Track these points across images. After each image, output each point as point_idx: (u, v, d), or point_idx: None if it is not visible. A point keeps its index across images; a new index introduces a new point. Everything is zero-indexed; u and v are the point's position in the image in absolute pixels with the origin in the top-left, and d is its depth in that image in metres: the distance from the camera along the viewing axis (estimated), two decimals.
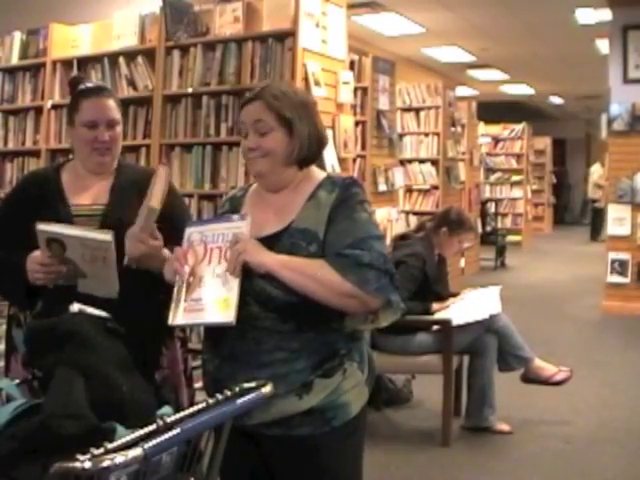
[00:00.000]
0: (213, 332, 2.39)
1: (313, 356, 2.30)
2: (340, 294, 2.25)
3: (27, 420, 1.75)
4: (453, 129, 11.45)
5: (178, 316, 2.28)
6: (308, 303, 2.25)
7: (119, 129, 2.89)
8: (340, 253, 2.27)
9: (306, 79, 5.56)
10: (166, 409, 1.92)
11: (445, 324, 5.10)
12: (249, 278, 2.27)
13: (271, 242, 2.33)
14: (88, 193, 2.85)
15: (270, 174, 2.42)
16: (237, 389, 1.97)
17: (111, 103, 2.88)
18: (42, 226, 2.60)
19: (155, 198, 2.58)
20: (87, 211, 2.83)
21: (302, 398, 2.29)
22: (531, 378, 5.33)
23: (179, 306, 2.29)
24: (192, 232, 2.40)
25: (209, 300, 2.26)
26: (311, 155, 2.43)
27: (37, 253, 2.65)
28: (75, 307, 2.06)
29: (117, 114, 2.88)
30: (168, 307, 2.32)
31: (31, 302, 2.79)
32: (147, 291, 2.67)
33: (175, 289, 2.32)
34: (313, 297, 2.24)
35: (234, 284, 2.23)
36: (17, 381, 1.94)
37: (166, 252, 2.63)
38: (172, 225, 2.63)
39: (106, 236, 2.57)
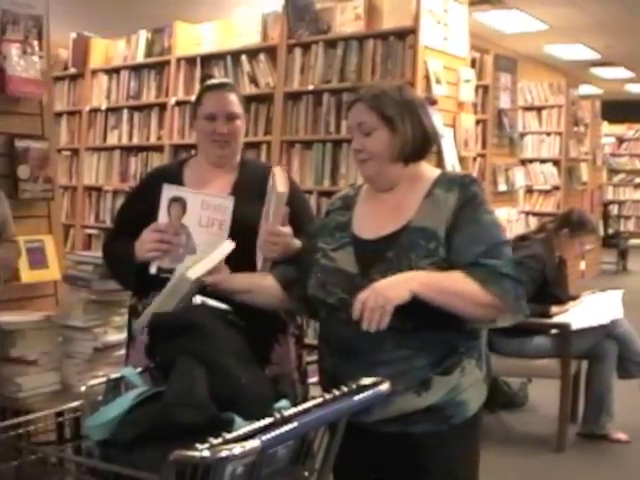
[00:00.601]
0: (331, 330, 2.39)
1: (433, 354, 2.28)
2: (482, 306, 2.24)
3: (148, 407, 1.79)
4: (576, 129, 11.20)
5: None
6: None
7: (239, 123, 2.91)
8: (476, 263, 2.24)
9: (427, 77, 5.53)
10: (284, 402, 1.93)
11: (564, 328, 4.99)
12: (367, 276, 2.28)
13: (389, 241, 2.33)
14: (209, 188, 2.87)
15: (378, 176, 2.42)
16: (354, 386, 1.96)
17: (232, 97, 2.91)
18: (169, 186, 2.70)
19: (280, 183, 2.60)
20: None
21: (421, 395, 2.28)
22: None
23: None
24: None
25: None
26: (416, 152, 2.41)
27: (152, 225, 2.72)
28: (197, 299, 2.09)
29: (237, 108, 2.90)
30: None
31: (146, 289, 2.85)
32: None
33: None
34: (455, 312, 2.23)
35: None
36: (139, 369, 1.98)
37: (297, 242, 2.66)
38: (299, 221, 2.67)
39: (226, 200, 2.68)
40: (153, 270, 2.70)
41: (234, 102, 2.91)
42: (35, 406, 2.98)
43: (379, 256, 2.32)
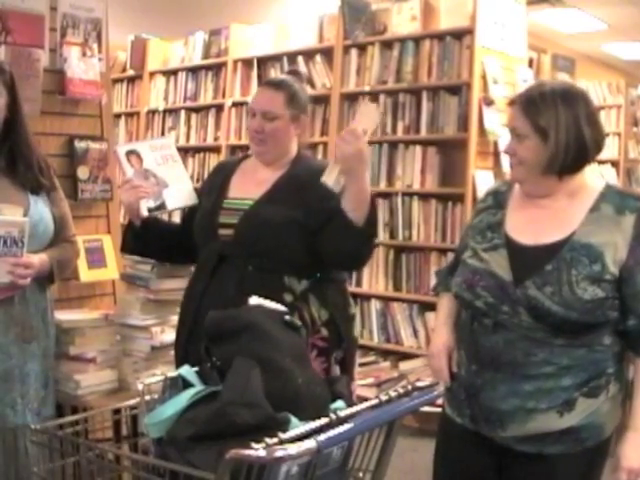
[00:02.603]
0: (474, 335, 2.31)
1: (580, 373, 2.21)
2: None
3: (205, 407, 1.80)
4: (635, 129, 11.01)
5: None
6: (586, 320, 2.16)
7: (278, 124, 2.87)
8: None
9: (484, 77, 5.49)
10: (339, 403, 1.93)
11: None
12: (521, 286, 2.21)
13: (550, 252, 2.22)
14: (253, 187, 2.90)
15: (526, 182, 2.32)
16: (409, 387, 1.95)
17: (275, 96, 2.88)
18: (120, 146, 3.10)
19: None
20: (235, 204, 2.89)
21: (563, 416, 2.21)
22: None
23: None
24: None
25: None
26: (568, 166, 2.24)
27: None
28: (254, 300, 2.10)
29: (277, 108, 2.87)
30: None
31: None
32: None
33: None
34: None
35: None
36: (196, 368, 1.99)
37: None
38: None
39: (165, 137, 2.97)
40: (145, 212, 2.97)
41: (275, 101, 2.88)
42: (93, 403, 3.02)
43: (537, 267, 2.22)
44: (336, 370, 2.89)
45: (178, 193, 3.06)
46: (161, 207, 3.02)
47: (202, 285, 2.86)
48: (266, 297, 2.23)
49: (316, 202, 2.73)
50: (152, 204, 2.98)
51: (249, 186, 2.90)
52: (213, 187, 2.99)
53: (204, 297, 2.82)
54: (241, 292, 2.45)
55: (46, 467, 1.96)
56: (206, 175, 7.02)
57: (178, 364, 2.73)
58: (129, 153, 3.03)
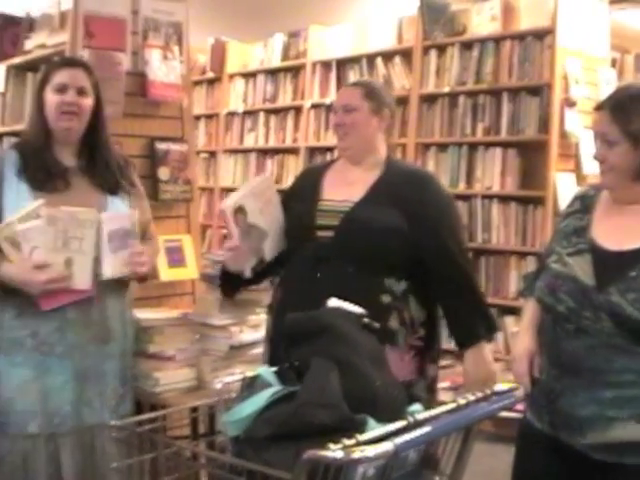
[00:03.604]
0: (556, 339, 2.28)
1: None
2: None
3: (283, 407, 1.81)
4: None
5: None
6: None
7: (356, 115, 2.91)
8: None
9: (565, 78, 5.41)
10: (416, 406, 1.92)
11: None
12: (604, 292, 2.17)
13: (634, 258, 2.18)
14: (347, 188, 2.90)
15: (616, 188, 2.29)
16: (488, 391, 1.93)
17: (353, 90, 2.97)
18: (226, 204, 2.86)
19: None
20: (333, 207, 2.88)
21: None
22: None
23: None
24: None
25: None
26: None
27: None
28: (333, 302, 2.10)
29: (355, 100, 2.92)
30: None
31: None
32: None
33: None
34: None
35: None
36: (274, 368, 2.00)
37: None
38: None
39: (263, 178, 2.87)
40: (248, 274, 2.93)
41: (353, 94, 2.94)
42: (171, 401, 3.05)
43: (620, 272, 2.18)
44: (432, 370, 2.91)
45: (275, 240, 2.97)
46: (261, 261, 2.95)
47: (299, 286, 2.85)
48: (365, 298, 2.28)
49: (415, 206, 2.78)
50: (253, 262, 2.93)
51: (341, 187, 2.92)
52: (304, 191, 3.00)
53: (302, 298, 2.80)
54: (340, 293, 2.44)
55: (124, 463, 1.99)
56: (284, 177, 7.12)
57: (272, 362, 2.70)
58: (236, 212, 2.86)
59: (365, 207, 2.82)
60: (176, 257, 3.93)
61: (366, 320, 2.06)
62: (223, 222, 2.97)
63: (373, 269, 2.75)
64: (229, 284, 3.05)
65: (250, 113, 7.72)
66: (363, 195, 2.86)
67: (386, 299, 2.74)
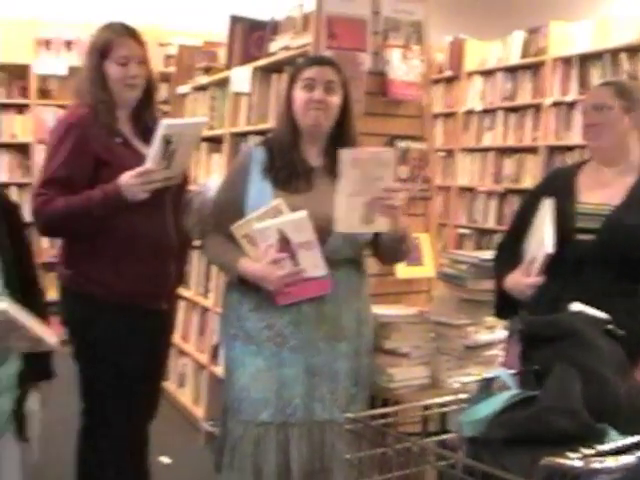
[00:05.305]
0: None
1: None
2: None
3: (522, 411, 1.78)
4: None
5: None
6: None
7: (609, 114, 2.86)
8: None
9: None
10: None
11: None
12: None
13: None
14: (604, 191, 2.86)
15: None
16: None
17: (605, 89, 2.92)
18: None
19: None
20: (592, 210, 2.84)
21: None
22: None
23: None
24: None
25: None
26: None
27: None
28: (575, 307, 2.05)
29: (607, 99, 2.87)
30: None
31: None
32: None
33: None
34: None
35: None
36: (513, 371, 1.98)
37: None
38: None
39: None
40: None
41: (605, 93, 2.91)
42: (404, 397, 3.09)
43: None
44: None
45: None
46: None
47: (558, 287, 2.82)
48: (623, 304, 2.27)
49: None
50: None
51: (597, 190, 2.88)
52: (557, 192, 2.95)
53: (559, 300, 2.75)
54: (600, 298, 2.36)
55: (356, 455, 2.03)
56: (523, 177, 6.99)
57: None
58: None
59: (627, 212, 2.77)
60: (414, 255, 3.95)
61: (611, 327, 1.99)
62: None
63: (634, 275, 2.70)
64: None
65: (488, 111, 7.64)
66: (623, 199, 2.81)
67: None
